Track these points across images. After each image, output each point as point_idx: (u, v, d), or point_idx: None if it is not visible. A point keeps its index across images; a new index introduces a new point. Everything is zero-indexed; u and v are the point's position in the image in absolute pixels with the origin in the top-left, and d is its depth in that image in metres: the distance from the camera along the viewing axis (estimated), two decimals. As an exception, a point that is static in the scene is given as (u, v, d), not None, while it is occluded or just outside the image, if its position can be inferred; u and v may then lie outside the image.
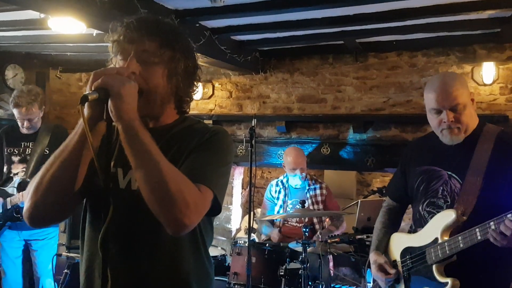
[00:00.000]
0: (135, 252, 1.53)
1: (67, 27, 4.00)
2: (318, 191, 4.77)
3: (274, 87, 6.07)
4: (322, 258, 4.00)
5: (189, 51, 1.64)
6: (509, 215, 1.90)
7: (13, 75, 6.27)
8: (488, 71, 5.05)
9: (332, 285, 4.29)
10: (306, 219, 4.43)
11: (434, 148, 2.37)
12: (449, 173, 2.28)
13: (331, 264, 4.32)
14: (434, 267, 2.19)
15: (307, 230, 3.91)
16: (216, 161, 1.56)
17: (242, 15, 4.41)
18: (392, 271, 2.38)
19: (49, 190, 1.46)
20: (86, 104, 1.35)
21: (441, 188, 2.29)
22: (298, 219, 4.65)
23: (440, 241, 2.17)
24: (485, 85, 5.11)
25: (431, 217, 2.28)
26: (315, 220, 4.69)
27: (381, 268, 2.42)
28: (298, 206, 4.48)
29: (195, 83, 1.68)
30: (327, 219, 4.82)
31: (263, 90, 6.13)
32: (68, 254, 3.74)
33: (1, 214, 3.85)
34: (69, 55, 6.23)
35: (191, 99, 1.70)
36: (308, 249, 3.88)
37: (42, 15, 4.16)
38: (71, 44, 5.55)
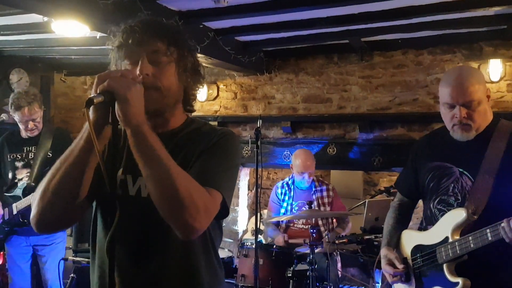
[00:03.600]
0: (145, 258, 1.53)
1: (71, 30, 3.99)
2: (324, 193, 4.72)
3: (279, 87, 6.05)
4: (330, 259, 3.97)
5: (193, 49, 1.66)
6: None
7: (18, 79, 6.27)
8: (495, 68, 5.01)
9: (340, 286, 4.26)
10: (313, 221, 4.39)
11: (445, 144, 2.33)
12: (461, 170, 2.23)
13: (339, 265, 4.29)
14: (445, 266, 2.17)
15: (315, 231, 3.88)
16: (224, 164, 1.55)
17: (246, 16, 4.39)
18: (401, 266, 2.36)
19: (55, 196, 1.43)
20: (91, 108, 1.32)
21: (452, 185, 2.25)
22: (304, 221, 4.61)
23: (450, 240, 2.15)
24: (492, 82, 5.06)
25: (441, 215, 2.26)
26: (320, 222, 4.65)
27: (390, 263, 2.41)
28: (304, 208, 4.45)
29: (201, 80, 1.69)
30: (334, 220, 4.78)
31: (268, 91, 6.10)
32: (74, 258, 3.72)
33: (8, 220, 3.84)
34: (73, 58, 6.24)
35: (195, 98, 1.70)
36: (316, 250, 3.85)
37: (46, 19, 4.16)
38: (75, 47, 5.55)
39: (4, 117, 4.31)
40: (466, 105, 2.14)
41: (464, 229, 2.13)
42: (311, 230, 3.87)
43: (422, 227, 2.42)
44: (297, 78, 5.95)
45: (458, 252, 2.10)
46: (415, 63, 5.42)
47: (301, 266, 3.94)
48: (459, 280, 2.10)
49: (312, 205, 4.19)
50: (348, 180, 7.36)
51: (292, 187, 4.80)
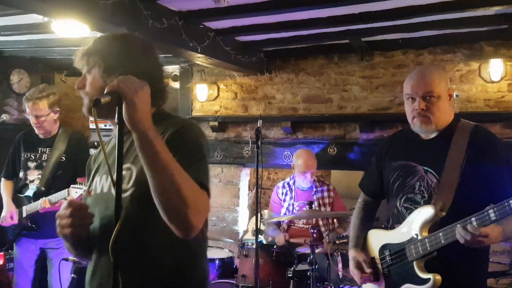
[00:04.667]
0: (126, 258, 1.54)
1: (71, 30, 3.98)
2: (325, 193, 4.72)
3: (279, 87, 6.04)
4: (331, 259, 3.96)
5: (113, 52, 1.67)
6: (490, 211, 1.93)
7: (18, 79, 6.27)
8: (495, 68, 5.00)
9: (340, 286, 4.25)
10: (313, 221, 4.39)
11: (409, 143, 2.41)
12: (425, 168, 2.29)
13: (339, 265, 4.28)
14: (414, 263, 2.20)
15: (315, 231, 3.88)
16: (197, 157, 1.56)
17: (246, 16, 4.38)
18: (368, 270, 2.40)
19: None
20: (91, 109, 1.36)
21: (418, 183, 2.30)
22: (305, 220, 4.61)
23: (419, 237, 2.19)
24: (492, 82, 5.06)
25: (408, 213, 2.30)
26: (320, 222, 4.64)
27: (358, 266, 2.44)
28: (305, 208, 4.44)
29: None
30: (334, 220, 4.78)
31: (268, 91, 6.10)
32: (75, 258, 3.70)
33: (17, 222, 3.83)
34: (73, 58, 6.21)
35: (159, 97, 1.68)
36: (317, 251, 3.85)
37: (46, 19, 4.16)
38: (75, 48, 5.51)
39: (4, 117, 4.30)
40: (425, 97, 2.24)
41: (432, 226, 2.18)
42: (312, 230, 3.87)
43: (389, 226, 2.45)
44: (297, 78, 5.95)
45: (428, 248, 2.14)
46: (416, 63, 5.41)
47: (302, 266, 3.94)
48: (430, 276, 2.14)
49: (313, 205, 4.18)
50: (348, 181, 7.33)
51: (293, 187, 4.80)
